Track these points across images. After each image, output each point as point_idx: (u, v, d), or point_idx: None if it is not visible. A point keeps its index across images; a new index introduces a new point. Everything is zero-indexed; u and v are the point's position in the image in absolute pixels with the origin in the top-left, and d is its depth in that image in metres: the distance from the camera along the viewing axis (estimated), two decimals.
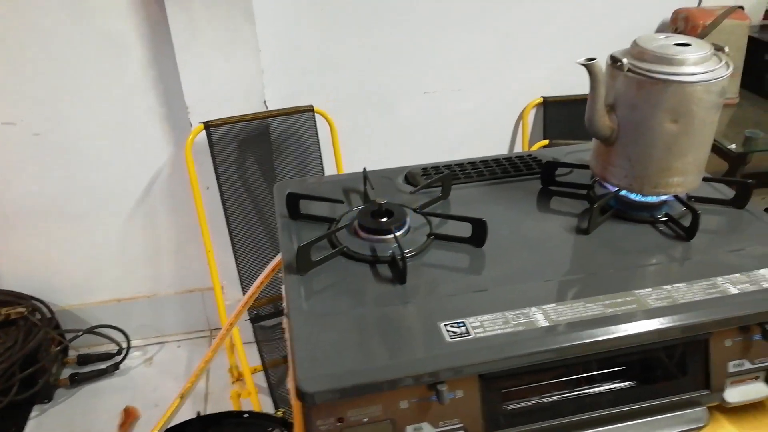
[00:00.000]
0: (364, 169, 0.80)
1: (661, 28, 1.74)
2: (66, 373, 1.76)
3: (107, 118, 1.56)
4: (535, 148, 1.79)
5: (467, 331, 0.57)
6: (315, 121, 1.57)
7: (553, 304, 0.60)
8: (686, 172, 0.70)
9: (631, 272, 0.65)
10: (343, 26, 1.55)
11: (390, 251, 0.67)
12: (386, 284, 0.64)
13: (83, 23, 1.42)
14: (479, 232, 0.69)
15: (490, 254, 0.69)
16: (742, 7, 1.63)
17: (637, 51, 0.68)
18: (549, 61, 1.74)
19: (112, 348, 1.80)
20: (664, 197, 0.74)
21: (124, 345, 1.80)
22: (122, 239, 1.73)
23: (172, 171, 1.65)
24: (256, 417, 1.06)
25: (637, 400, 0.62)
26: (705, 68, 0.64)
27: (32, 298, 1.70)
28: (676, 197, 0.73)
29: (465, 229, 0.70)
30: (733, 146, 1.48)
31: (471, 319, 0.59)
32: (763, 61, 1.68)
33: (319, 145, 1.57)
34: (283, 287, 0.65)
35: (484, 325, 0.58)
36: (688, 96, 0.65)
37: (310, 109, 1.54)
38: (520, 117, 1.82)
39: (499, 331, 0.57)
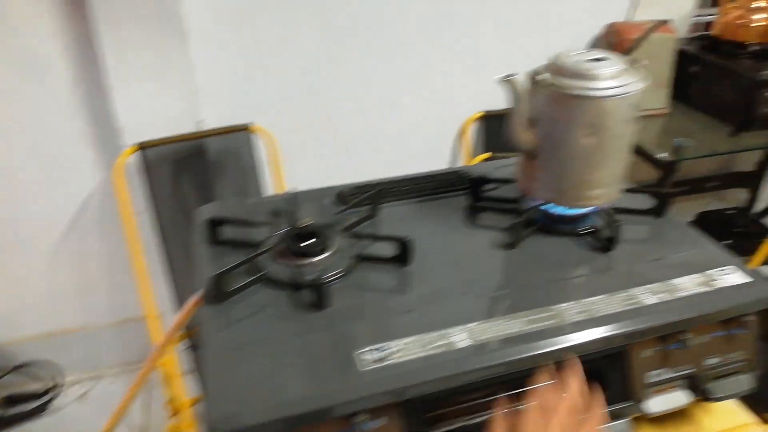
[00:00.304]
0: (292, 189, 0.78)
1: (595, 43, 1.79)
2: None
3: (34, 142, 1.49)
4: (476, 161, 1.81)
5: (384, 358, 0.56)
6: (252, 140, 1.54)
7: (475, 323, 0.60)
8: (606, 184, 0.71)
9: (554, 286, 0.65)
10: (280, 45, 1.53)
11: (312, 276, 0.66)
12: (307, 311, 0.62)
13: (4, 43, 1.35)
14: (404, 251, 0.68)
15: (417, 273, 0.68)
16: (668, 21, 1.69)
17: (555, 67, 0.68)
18: (488, 75, 1.76)
19: (42, 386, 1.71)
20: (586, 210, 0.75)
21: (55, 382, 1.70)
22: (51, 269, 1.65)
23: (104, 196, 1.58)
24: None
25: None
26: (618, 82, 0.65)
27: None
28: (597, 211, 0.74)
29: (392, 249, 0.69)
30: (664, 155, 1.53)
31: (391, 344, 0.57)
32: (689, 73, 1.74)
33: (255, 165, 1.54)
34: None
35: (401, 350, 0.57)
36: (602, 110, 0.66)
37: (245, 128, 1.51)
38: (462, 131, 1.83)
39: (417, 355, 0.56)
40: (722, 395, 0.66)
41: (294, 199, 0.76)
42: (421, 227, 0.77)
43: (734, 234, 1.87)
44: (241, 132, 1.52)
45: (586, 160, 0.69)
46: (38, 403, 1.67)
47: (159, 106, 1.45)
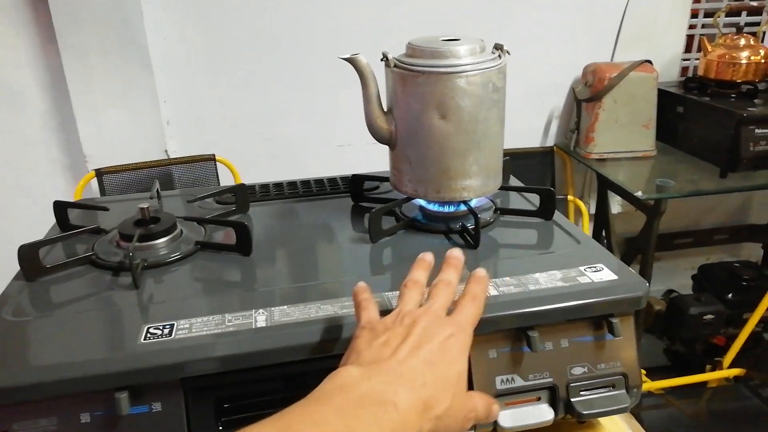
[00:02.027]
0: (155, 181, 0.76)
1: (574, 82, 1.75)
2: None
3: (8, 169, 1.54)
4: None
5: (169, 333, 0.50)
6: (217, 170, 1.54)
7: (284, 307, 0.54)
8: (469, 175, 0.65)
9: (396, 277, 0.59)
10: (249, 78, 1.57)
11: (137, 259, 0.62)
12: (122, 291, 0.58)
13: None
14: (243, 238, 0.64)
15: (258, 262, 0.63)
16: (649, 61, 1.64)
17: (408, 49, 0.65)
18: None
19: None
20: (462, 207, 0.69)
21: None
22: None
23: None
24: None
25: None
26: (468, 60, 0.61)
27: None
28: (467, 206, 0.68)
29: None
30: (639, 193, 1.44)
31: (183, 321, 0.52)
32: (675, 113, 1.67)
33: None
34: None
35: (193, 327, 0.51)
36: (450, 88, 0.61)
37: (212, 158, 1.53)
38: None
39: (206, 332, 0.50)
40: (590, 412, 0.56)
41: (158, 192, 0.73)
42: (286, 223, 0.73)
43: (741, 287, 1.71)
44: (207, 162, 1.54)
45: (441, 146, 0.64)
46: None
47: (125, 135, 1.49)
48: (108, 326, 0.52)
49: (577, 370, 0.57)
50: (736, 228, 2.03)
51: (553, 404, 0.56)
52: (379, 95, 0.66)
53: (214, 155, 1.54)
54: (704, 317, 1.55)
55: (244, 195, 0.74)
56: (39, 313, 0.55)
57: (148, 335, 0.50)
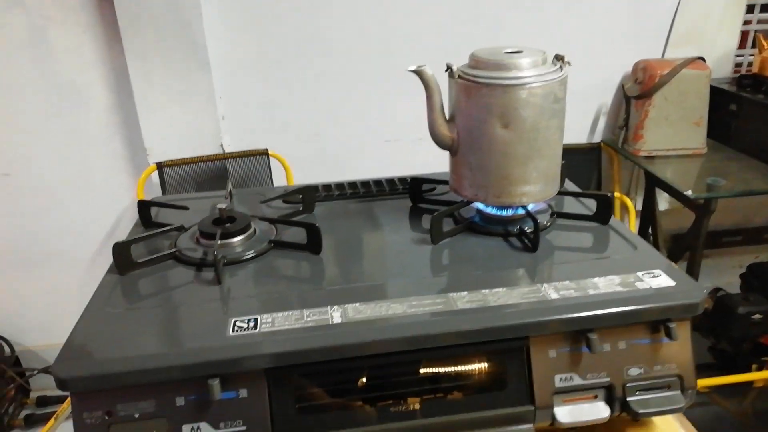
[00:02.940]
0: (229, 182, 0.81)
1: (624, 79, 1.73)
2: (23, 413, 1.76)
3: (73, 163, 1.63)
4: None
5: (255, 326, 0.55)
6: (270, 164, 1.60)
7: (356, 304, 0.58)
8: (529, 181, 0.68)
9: (455, 278, 0.62)
10: (299, 77, 1.61)
11: (217, 256, 0.67)
12: (206, 286, 0.63)
13: (49, 73, 1.51)
14: (313, 238, 0.68)
15: (328, 261, 0.68)
16: (702, 58, 1.62)
17: (472, 61, 0.68)
18: None
19: None
20: (519, 211, 0.71)
21: None
22: (86, 282, 1.76)
23: (134, 214, 1.69)
24: None
25: (453, 411, 0.57)
26: (531, 72, 0.64)
27: None
28: (525, 210, 0.70)
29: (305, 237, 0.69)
30: (688, 192, 1.43)
31: (265, 316, 0.57)
32: (728, 111, 1.64)
33: (272, 184, 1.60)
34: None
35: (275, 322, 0.56)
36: (513, 99, 0.64)
37: (264, 153, 1.58)
38: None
39: (287, 327, 0.55)
40: (646, 411, 0.59)
41: (230, 193, 0.78)
42: (350, 223, 0.77)
43: None
44: (259, 156, 1.59)
45: (503, 154, 0.66)
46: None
47: (183, 130, 1.55)
48: (197, 318, 0.57)
49: (634, 371, 0.59)
50: None
51: (609, 402, 0.59)
52: (442, 104, 0.69)
53: (267, 150, 1.59)
54: (752, 317, 1.53)
55: (311, 196, 0.78)
56: (133, 305, 0.60)
57: (236, 328, 0.55)
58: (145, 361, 0.52)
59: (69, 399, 1.00)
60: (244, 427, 0.54)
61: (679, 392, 0.60)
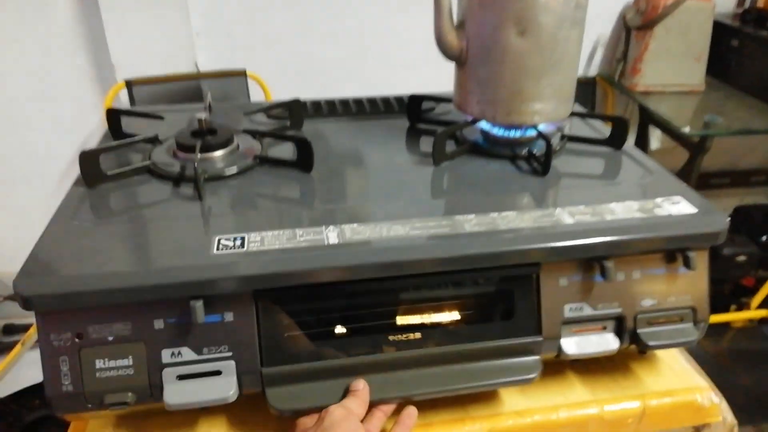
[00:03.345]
0: (208, 93, 0.73)
1: (623, 11, 1.65)
2: None
3: (36, 79, 1.51)
4: None
5: (242, 245, 0.49)
6: (248, 85, 1.50)
7: (354, 224, 0.52)
8: (542, 98, 0.62)
9: (463, 201, 0.57)
10: None
11: (199, 170, 0.60)
12: (185, 202, 0.57)
13: None
14: (304, 154, 0.61)
15: (320, 179, 0.62)
16: None
17: None
18: None
19: None
20: (528, 132, 0.66)
21: None
22: (52, 206, 1.68)
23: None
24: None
25: (454, 341, 0.53)
26: None
27: None
28: (536, 130, 0.65)
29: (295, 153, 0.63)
30: (687, 129, 1.39)
31: (253, 235, 0.51)
32: (730, 48, 1.58)
33: None
34: None
35: (264, 241, 0.50)
36: (531, 2, 0.57)
37: (242, 73, 1.48)
38: None
39: (278, 246, 0.49)
40: (657, 343, 0.56)
41: (209, 104, 0.71)
42: (343, 141, 0.71)
43: None
44: (237, 77, 1.49)
45: (517, 66, 0.60)
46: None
47: (154, 45, 1.44)
48: (177, 235, 0.51)
49: (647, 302, 0.56)
50: None
51: (618, 334, 0.56)
52: (451, 8, 0.61)
53: (245, 70, 1.49)
54: (737, 258, 1.54)
55: (298, 111, 0.71)
56: (103, 219, 0.54)
57: (221, 246, 0.49)
58: (120, 279, 0.46)
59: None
60: (229, 353, 0.49)
61: (691, 325, 0.57)
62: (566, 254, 0.52)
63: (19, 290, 0.44)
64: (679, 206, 0.56)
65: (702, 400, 0.58)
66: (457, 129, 0.66)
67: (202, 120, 0.62)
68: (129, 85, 1.39)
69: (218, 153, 0.63)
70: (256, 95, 1.54)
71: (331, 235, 0.51)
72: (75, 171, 1.64)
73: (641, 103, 1.57)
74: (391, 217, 0.54)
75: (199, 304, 0.46)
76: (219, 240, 0.50)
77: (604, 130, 0.72)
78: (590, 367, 0.60)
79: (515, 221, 0.53)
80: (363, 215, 0.54)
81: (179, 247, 0.49)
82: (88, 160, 0.57)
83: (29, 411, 0.96)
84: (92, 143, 1.60)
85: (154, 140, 0.65)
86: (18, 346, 0.91)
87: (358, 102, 0.81)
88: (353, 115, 0.78)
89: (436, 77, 1.66)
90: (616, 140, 0.67)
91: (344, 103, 0.80)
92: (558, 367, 0.60)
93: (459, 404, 0.56)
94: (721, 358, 1.56)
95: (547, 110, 0.63)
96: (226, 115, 0.75)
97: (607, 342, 0.56)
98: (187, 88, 1.48)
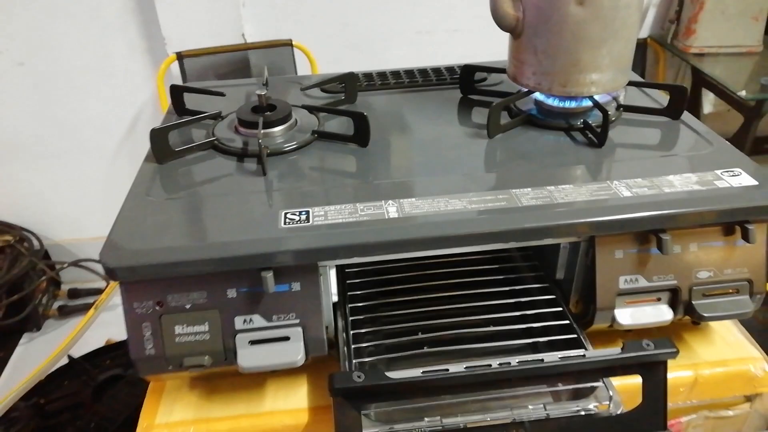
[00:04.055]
0: (265, 68, 0.75)
1: None
2: (56, 305, 1.81)
3: (90, 52, 1.56)
4: None
5: (307, 219, 0.52)
6: (294, 56, 1.51)
7: (413, 199, 0.54)
8: (601, 68, 0.62)
9: (519, 173, 0.58)
10: None
11: (261, 146, 0.62)
12: (248, 177, 0.60)
13: None
14: (361, 129, 0.63)
15: (376, 153, 0.63)
16: None
17: None
18: None
19: (102, 284, 1.83)
20: (583, 103, 0.66)
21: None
22: (109, 176, 1.75)
23: (154, 108, 1.64)
24: None
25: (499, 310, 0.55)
26: None
27: (22, 229, 1.74)
28: (594, 101, 0.65)
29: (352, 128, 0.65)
30: (743, 93, 1.34)
31: (317, 209, 0.53)
32: None
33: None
34: None
35: (328, 215, 0.52)
36: None
37: (288, 43, 1.49)
38: None
39: (341, 220, 0.52)
40: (712, 314, 0.56)
41: (266, 79, 0.73)
42: (397, 114, 0.72)
43: None
44: (283, 47, 1.51)
45: (575, 35, 0.59)
46: (97, 298, 1.79)
47: (202, 16, 1.46)
48: (245, 210, 0.54)
49: (703, 274, 0.56)
50: None
51: (672, 305, 0.57)
52: None
53: (291, 40, 1.50)
54: None
55: (353, 84, 0.73)
56: (175, 194, 0.57)
57: (287, 220, 0.52)
58: (197, 251, 0.49)
59: (107, 289, 1.01)
60: (297, 320, 0.52)
61: (747, 297, 0.57)
62: (623, 228, 0.53)
63: (104, 262, 0.48)
64: (738, 178, 0.56)
65: (755, 370, 0.59)
66: (511, 101, 0.66)
67: (262, 96, 0.64)
68: (180, 57, 1.42)
69: (278, 129, 0.65)
70: (302, 66, 1.55)
71: (391, 209, 0.53)
72: (129, 142, 1.72)
73: (695, 65, 1.52)
74: (448, 191, 0.55)
75: (269, 275, 0.49)
76: (285, 214, 0.52)
77: (661, 99, 0.71)
78: (643, 337, 0.61)
79: (572, 194, 0.54)
80: (420, 189, 0.56)
81: (249, 221, 0.52)
82: (158, 137, 0.60)
83: (101, 370, 1.04)
84: (146, 117, 1.65)
85: (217, 116, 0.67)
86: (91, 311, 0.98)
87: (409, 73, 0.81)
88: (405, 86, 0.78)
89: (482, 46, 1.64)
90: (673, 110, 0.66)
91: (395, 74, 0.81)
92: (611, 336, 0.61)
93: None
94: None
95: (605, 80, 0.63)
96: (281, 89, 0.77)
97: (661, 313, 0.57)
98: (234, 60, 1.50)
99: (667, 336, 0.60)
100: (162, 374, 0.53)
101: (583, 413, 0.48)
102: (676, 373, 0.58)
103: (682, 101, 0.66)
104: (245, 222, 0.52)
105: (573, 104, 0.66)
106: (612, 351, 0.46)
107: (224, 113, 0.70)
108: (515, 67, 0.66)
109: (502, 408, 0.49)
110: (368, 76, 0.81)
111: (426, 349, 0.55)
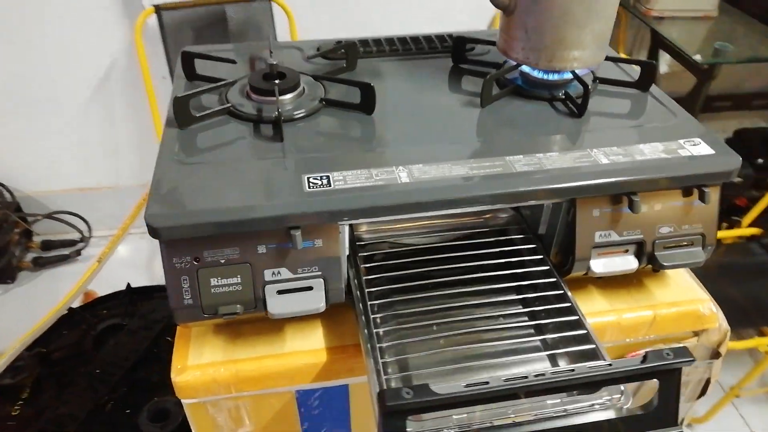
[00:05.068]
0: (269, 37, 0.79)
1: None
2: (30, 256, 1.82)
3: (61, 2, 1.52)
4: None
5: (328, 183, 0.58)
6: (272, 12, 1.52)
7: (420, 165, 0.61)
8: (584, 45, 0.69)
9: (510, 141, 0.65)
10: None
11: (275, 112, 0.67)
12: (266, 142, 0.65)
13: None
14: (367, 97, 0.69)
15: (380, 121, 0.69)
16: None
17: None
18: None
19: (75, 236, 1.85)
20: (565, 75, 0.73)
21: (87, 233, 1.83)
22: (81, 128, 1.74)
23: (128, 59, 1.62)
24: None
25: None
26: None
27: None
28: (575, 75, 0.72)
29: (359, 97, 0.70)
30: (698, 57, 1.44)
31: (336, 174, 0.59)
32: None
33: (275, 35, 1.54)
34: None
35: (346, 179, 0.59)
36: None
37: None
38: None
39: (359, 185, 0.58)
40: (670, 264, 0.66)
41: (270, 46, 0.77)
42: (395, 82, 0.77)
43: None
44: (261, 2, 1.51)
45: (563, 15, 0.66)
46: (71, 250, 1.81)
47: None
48: (270, 174, 0.59)
49: (664, 230, 0.66)
50: None
51: (638, 256, 0.66)
52: None
53: None
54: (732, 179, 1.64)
55: (354, 53, 0.77)
56: (203, 158, 0.62)
57: (311, 184, 0.58)
58: (232, 213, 0.55)
59: (111, 241, 1.04)
60: (319, 273, 0.59)
61: (700, 248, 0.67)
62: (601, 191, 0.61)
63: (150, 223, 0.53)
64: (698, 147, 0.65)
65: (703, 309, 0.69)
66: (503, 73, 0.73)
67: (274, 65, 0.69)
68: (158, 10, 1.41)
69: (288, 96, 0.70)
70: (280, 23, 1.56)
71: (402, 175, 0.59)
72: (101, 94, 1.71)
73: (654, 28, 1.60)
74: (451, 158, 0.62)
75: (298, 234, 0.56)
76: (308, 178, 0.58)
77: (632, 72, 0.79)
78: (610, 283, 0.71)
79: (558, 161, 0.62)
80: (425, 156, 0.62)
81: (276, 184, 0.58)
82: (180, 104, 0.64)
83: (100, 319, 1.08)
84: (119, 70, 1.63)
85: (233, 84, 0.71)
86: (95, 264, 1.02)
87: (403, 41, 0.86)
88: (399, 54, 0.83)
89: (456, 14, 1.68)
90: (643, 83, 0.74)
91: (390, 41, 0.86)
92: (583, 283, 0.70)
93: None
94: (711, 270, 1.70)
95: (586, 56, 0.70)
96: (283, 56, 0.81)
97: (628, 262, 0.66)
98: (211, 14, 1.50)
99: (630, 283, 0.70)
100: (199, 321, 0.60)
101: (597, 407, 0.54)
102: (638, 313, 0.68)
103: (652, 75, 0.74)
104: (272, 185, 0.58)
105: (556, 77, 0.73)
106: (635, 362, 0.49)
107: (230, 79, 0.74)
108: (505, 42, 0.72)
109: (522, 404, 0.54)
110: (364, 42, 0.85)
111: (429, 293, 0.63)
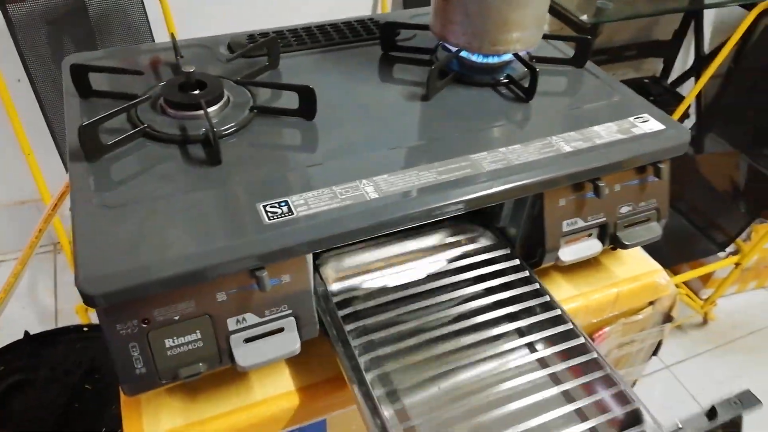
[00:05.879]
0: (172, 35, 0.67)
1: None
2: None
3: None
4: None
5: (289, 210, 0.51)
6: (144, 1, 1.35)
7: (385, 175, 0.55)
8: (525, 26, 0.66)
9: (469, 137, 0.61)
10: None
11: (202, 129, 0.58)
12: (199, 167, 0.55)
13: None
14: (307, 102, 0.61)
15: (323, 126, 0.62)
16: None
17: None
18: None
19: None
20: (504, 57, 0.70)
21: None
22: None
23: None
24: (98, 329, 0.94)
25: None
26: None
27: None
28: (517, 57, 0.69)
29: (294, 101, 0.62)
30: (584, 17, 1.49)
31: (295, 198, 0.52)
32: None
33: (146, 25, 1.37)
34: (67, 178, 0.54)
35: (308, 203, 0.51)
36: None
37: None
38: None
39: (325, 208, 0.51)
40: (632, 242, 0.66)
41: (175, 47, 0.66)
42: (326, 79, 0.70)
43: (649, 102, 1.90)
44: None
45: None
46: None
47: None
48: (220, 207, 0.51)
49: (624, 209, 0.65)
50: (644, 44, 2.18)
51: (601, 238, 0.66)
52: None
53: None
54: None
55: (276, 49, 0.69)
56: (129, 198, 0.51)
57: (270, 215, 0.50)
58: (185, 262, 0.46)
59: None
60: (289, 311, 0.52)
61: (656, 223, 0.68)
62: (570, 180, 0.59)
63: (85, 290, 0.43)
64: (648, 124, 0.65)
65: (659, 279, 0.71)
66: (446, 62, 0.68)
67: (191, 73, 0.59)
68: (2, 3, 1.19)
69: (213, 108, 0.60)
70: (153, 7, 1.38)
71: (369, 189, 0.53)
72: None
73: None
74: (413, 163, 0.57)
75: (264, 274, 0.48)
76: (264, 207, 0.51)
77: (565, 49, 0.77)
78: (572, 267, 0.70)
79: (524, 155, 0.59)
80: (385, 164, 0.56)
81: (228, 219, 0.49)
82: (88, 132, 0.52)
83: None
84: None
85: (147, 100, 0.60)
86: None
87: (323, 29, 0.78)
88: (322, 45, 0.76)
89: None
90: (579, 59, 0.73)
91: (308, 31, 0.78)
92: (545, 270, 0.69)
93: None
94: None
95: (527, 37, 0.67)
96: (190, 58, 0.70)
97: (593, 246, 0.66)
98: (69, 5, 1.30)
99: (590, 264, 0.70)
100: (154, 390, 0.51)
101: None
102: (604, 293, 0.68)
103: (587, 51, 0.73)
104: (224, 222, 0.49)
105: (496, 59, 0.70)
106: (704, 419, 0.47)
107: (138, 93, 0.62)
108: (443, 26, 0.68)
109: None
110: (280, 34, 0.76)
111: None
